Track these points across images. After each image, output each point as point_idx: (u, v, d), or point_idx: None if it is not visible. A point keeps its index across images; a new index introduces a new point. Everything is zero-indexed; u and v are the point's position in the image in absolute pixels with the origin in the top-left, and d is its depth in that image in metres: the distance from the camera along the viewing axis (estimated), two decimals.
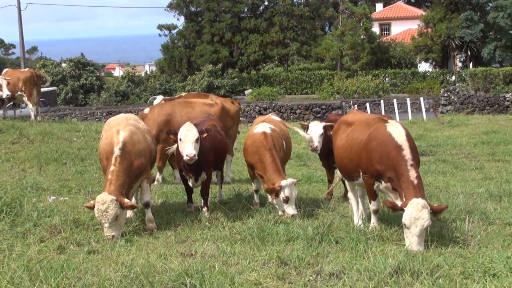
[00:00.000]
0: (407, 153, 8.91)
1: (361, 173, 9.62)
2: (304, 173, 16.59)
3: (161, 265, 7.56)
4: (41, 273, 7.17)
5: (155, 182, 14.03)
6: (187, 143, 10.40)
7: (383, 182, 9.19)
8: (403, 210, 8.53)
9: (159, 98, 18.71)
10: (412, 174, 8.78)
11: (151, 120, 13.61)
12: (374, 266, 7.40)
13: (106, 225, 9.28)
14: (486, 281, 7.07)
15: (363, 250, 8.31)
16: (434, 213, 8.65)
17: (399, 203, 8.78)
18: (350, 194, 10.73)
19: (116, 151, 9.73)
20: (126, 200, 9.46)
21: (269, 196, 11.06)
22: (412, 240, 8.48)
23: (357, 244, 8.64)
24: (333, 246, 8.72)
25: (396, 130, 9.19)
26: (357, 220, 10.31)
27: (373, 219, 9.85)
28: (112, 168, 9.62)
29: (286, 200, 10.55)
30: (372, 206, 9.74)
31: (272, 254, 8.03)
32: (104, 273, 7.24)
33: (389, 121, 9.56)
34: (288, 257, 7.97)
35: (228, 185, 14.01)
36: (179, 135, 10.49)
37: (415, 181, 8.75)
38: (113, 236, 9.23)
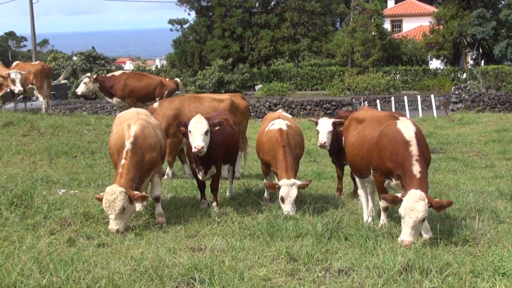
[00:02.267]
0: (414, 149, 8.87)
1: (371, 170, 9.61)
2: (314, 170, 16.58)
3: (171, 259, 7.59)
4: (51, 265, 7.20)
5: (165, 177, 14.06)
6: (196, 135, 10.43)
7: (393, 179, 9.17)
8: (400, 201, 8.51)
9: (84, 77, 20.40)
10: (416, 168, 8.73)
11: (160, 115, 13.64)
12: (383, 263, 7.40)
13: (112, 216, 9.31)
14: (496, 280, 7.06)
15: (372, 247, 8.32)
16: (435, 208, 8.56)
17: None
18: (360, 191, 10.72)
19: (128, 145, 9.74)
20: (135, 192, 9.51)
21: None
22: (404, 230, 8.48)
23: (366, 241, 8.63)
24: (342, 242, 8.72)
25: (406, 126, 9.16)
26: (366, 217, 10.32)
27: (383, 216, 9.84)
28: (123, 161, 9.64)
29: (282, 200, 10.53)
30: (382, 203, 9.70)
31: (281, 250, 8.03)
32: (113, 266, 7.28)
33: (400, 118, 9.54)
34: (297, 253, 7.99)
35: (237, 180, 14.02)
36: (189, 127, 10.51)
37: (418, 175, 8.70)
38: (117, 230, 9.26)
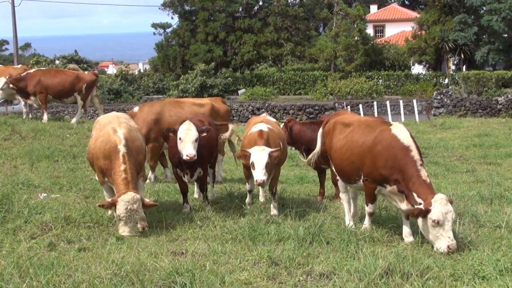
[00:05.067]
0: (415, 153, 8.94)
1: (362, 177, 9.57)
2: (296, 174, 16.59)
3: (152, 263, 7.58)
4: (31, 270, 7.17)
5: (147, 181, 14.01)
6: (187, 142, 10.48)
7: (387, 186, 9.16)
8: (428, 211, 8.49)
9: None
10: (424, 173, 8.83)
11: (140, 119, 13.59)
12: (365, 267, 7.43)
13: (131, 224, 9.37)
14: (476, 283, 7.12)
15: (354, 251, 8.34)
16: None
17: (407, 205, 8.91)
18: (342, 195, 10.71)
19: (122, 148, 9.72)
20: (146, 199, 9.70)
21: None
22: (446, 236, 8.46)
23: (348, 245, 8.65)
24: (324, 246, 8.73)
25: (401, 131, 9.18)
26: (348, 221, 10.32)
27: (367, 221, 9.86)
28: (123, 166, 9.62)
29: (253, 165, 10.41)
30: (369, 209, 9.75)
31: (263, 254, 8.05)
32: (94, 270, 7.26)
33: (392, 123, 9.54)
34: (279, 257, 8.00)
35: (219, 184, 14.00)
36: (179, 134, 10.52)
37: (428, 180, 8.82)
38: (134, 236, 9.35)
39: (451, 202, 8.81)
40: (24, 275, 7.04)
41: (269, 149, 10.51)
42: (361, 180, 9.65)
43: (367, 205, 9.77)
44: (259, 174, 10.32)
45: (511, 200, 12.18)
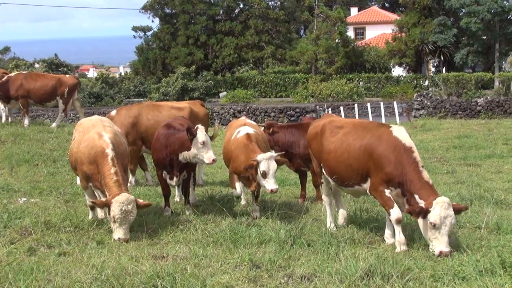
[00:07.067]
0: (417, 155, 8.93)
1: (368, 181, 9.32)
2: (277, 176, 16.54)
3: (132, 267, 7.56)
4: (11, 275, 7.12)
5: (128, 185, 13.95)
6: (210, 147, 10.71)
7: (392, 189, 9.04)
8: (428, 211, 8.44)
9: None
10: (425, 175, 8.82)
11: (118, 123, 13.50)
12: (345, 269, 7.46)
13: (125, 226, 9.34)
14: (456, 284, 7.16)
15: (335, 253, 8.37)
16: (455, 211, 8.58)
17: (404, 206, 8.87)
18: (324, 197, 10.71)
19: (110, 152, 9.71)
20: (140, 200, 9.78)
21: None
22: (441, 240, 8.38)
23: (329, 247, 8.67)
24: (305, 249, 8.75)
25: (401, 133, 9.14)
26: (329, 223, 10.33)
27: (397, 231, 9.00)
28: (113, 169, 9.63)
29: (264, 175, 10.31)
30: (393, 215, 8.97)
31: (244, 257, 8.06)
32: (74, 275, 7.23)
33: (392, 125, 9.48)
34: (260, 260, 8.01)
35: (201, 187, 13.98)
36: (202, 138, 10.59)
37: (430, 181, 8.81)
38: (128, 239, 9.32)
39: (465, 209, 8.84)
40: (3, 280, 6.99)
41: (274, 154, 10.58)
42: (359, 185, 9.50)
43: (389, 214, 9.05)
44: (273, 183, 10.36)
45: (491, 201, 12.24)
